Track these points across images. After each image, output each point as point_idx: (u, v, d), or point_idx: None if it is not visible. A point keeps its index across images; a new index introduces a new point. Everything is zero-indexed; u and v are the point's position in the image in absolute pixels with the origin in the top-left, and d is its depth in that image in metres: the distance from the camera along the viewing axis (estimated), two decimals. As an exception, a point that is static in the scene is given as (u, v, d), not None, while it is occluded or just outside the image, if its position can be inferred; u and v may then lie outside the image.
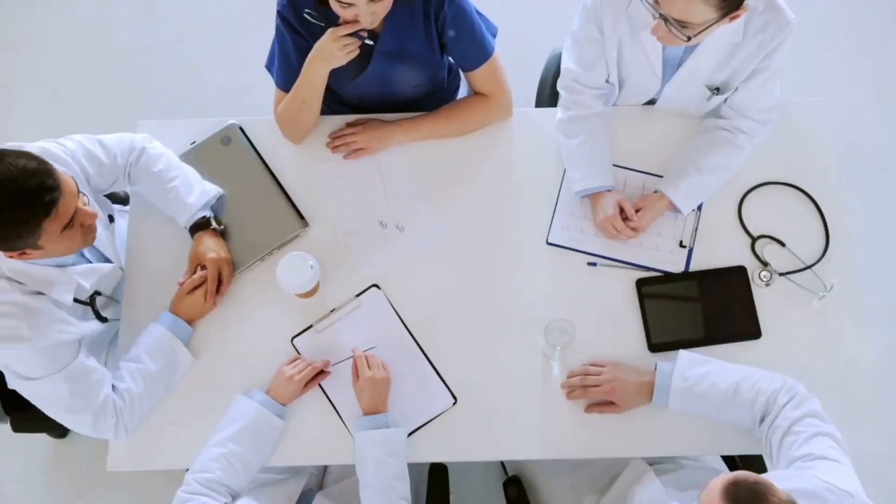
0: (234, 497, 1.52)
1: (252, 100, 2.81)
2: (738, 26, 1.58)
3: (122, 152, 1.71)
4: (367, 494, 1.52)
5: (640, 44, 1.67)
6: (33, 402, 1.54)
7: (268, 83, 1.83)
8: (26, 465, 2.44)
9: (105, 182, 1.70)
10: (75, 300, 1.57)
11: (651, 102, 1.88)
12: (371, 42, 1.66)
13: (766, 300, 1.73)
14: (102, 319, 1.65)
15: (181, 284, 1.71)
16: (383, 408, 1.61)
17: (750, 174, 1.82)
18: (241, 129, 1.90)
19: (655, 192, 1.76)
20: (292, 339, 1.73)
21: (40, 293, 1.48)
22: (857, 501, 1.25)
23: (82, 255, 1.63)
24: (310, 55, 1.68)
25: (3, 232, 1.34)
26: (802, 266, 1.75)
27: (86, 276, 1.59)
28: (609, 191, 1.75)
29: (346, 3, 1.50)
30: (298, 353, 1.72)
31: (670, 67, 1.73)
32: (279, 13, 1.68)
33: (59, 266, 1.53)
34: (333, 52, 1.63)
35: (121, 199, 2.07)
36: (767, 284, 1.74)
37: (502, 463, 2.06)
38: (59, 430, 2.39)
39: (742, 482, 1.13)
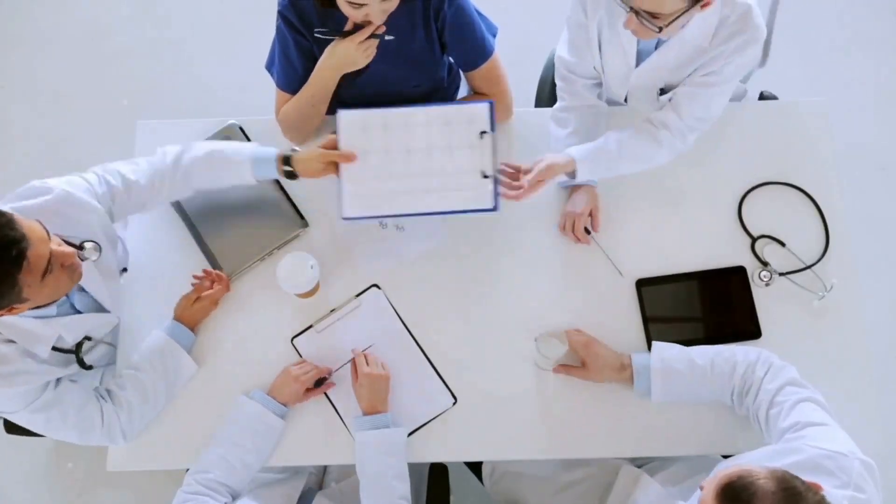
0: (235, 496, 1.52)
1: (252, 100, 2.80)
2: (708, 30, 1.57)
3: (152, 163, 1.65)
4: (367, 494, 1.52)
5: (616, 33, 1.66)
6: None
7: (268, 83, 1.83)
8: (26, 466, 2.44)
9: (129, 210, 1.65)
10: (56, 349, 1.50)
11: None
12: (391, 37, 1.63)
13: (766, 300, 1.73)
14: (87, 367, 1.58)
15: (196, 279, 1.71)
16: (383, 407, 1.61)
17: (750, 174, 1.82)
18: (241, 128, 1.90)
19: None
20: (292, 339, 1.73)
21: (12, 341, 1.43)
22: (853, 460, 1.24)
23: (72, 306, 1.56)
24: (325, 61, 1.67)
25: None
26: (802, 266, 1.75)
27: (70, 327, 1.51)
28: (591, 186, 1.75)
29: (357, 4, 1.50)
30: (299, 353, 1.72)
31: (644, 59, 1.72)
32: (280, 13, 1.68)
33: (42, 318, 1.46)
34: (356, 59, 1.64)
35: None
36: (767, 284, 1.74)
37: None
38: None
39: (729, 485, 1.11)
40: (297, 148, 1.70)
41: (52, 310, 1.49)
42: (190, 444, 1.63)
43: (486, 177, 1.61)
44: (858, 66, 2.87)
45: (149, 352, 1.65)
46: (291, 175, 1.67)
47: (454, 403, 1.68)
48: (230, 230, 1.79)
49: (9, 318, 1.41)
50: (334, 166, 1.67)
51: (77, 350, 1.56)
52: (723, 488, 1.11)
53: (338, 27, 1.66)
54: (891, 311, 2.55)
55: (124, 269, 1.72)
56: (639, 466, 1.68)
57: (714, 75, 1.61)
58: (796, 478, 1.10)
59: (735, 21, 1.55)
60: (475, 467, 1.92)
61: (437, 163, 1.62)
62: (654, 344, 1.60)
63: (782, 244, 1.77)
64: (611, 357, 1.61)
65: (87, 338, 1.60)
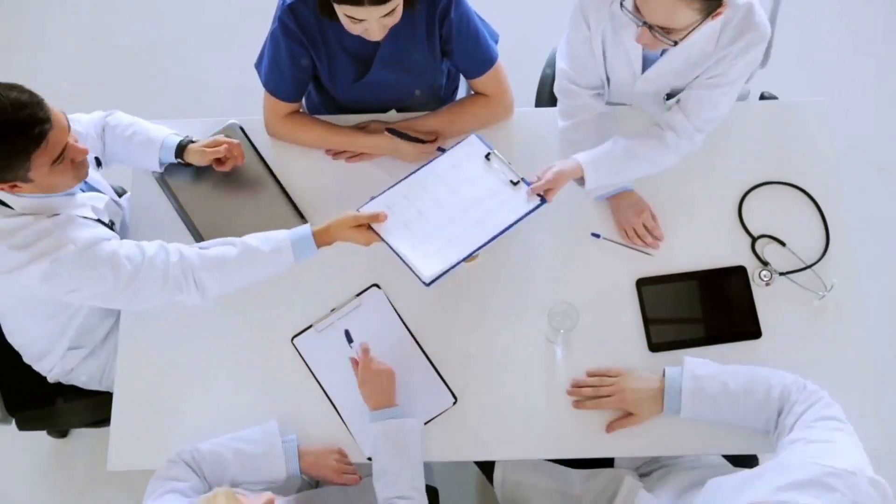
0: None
1: (253, 99, 2.78)
2: (713, 35, 1.57)
3: (91, 121, 1.75)
4: (380, 485, 1.52)
5: (620, 41, 1.66)
6: (99, 304, 1.57)
7: (268, 83, 1.83)
8: (26, 465, 2.44)
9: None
10: (97, 221, 1.58)
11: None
12: (443, 151, 1.74)
13: (766, 300, 1.73)
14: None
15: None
16: (389, 403, 1.60)
17: (750, 174, 1.82)
18: (242, 128, 1.90)
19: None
20: (292, 339, 1.73)
21: (55, 214, 1.50)
22: (860, 478, 1.18)
23: (81, 191, 1.65)
24: (382, 144, 1.80)
25: None
26: (802, 266, 1.75)
27: (94, 200, 1.62)
28: (630, 191, 1.76)
29: (356, 19, 1.51)
30: (300, 353, 1.72)
31: (649, 66, 1.72)
32: (279, 19, 1.67)
33: (66, 195, 1.55)
34: (411, 159, 1.77)
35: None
36: (767, 284, 1.74)
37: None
38: (59, 430, 2.40)
39: None
40: (193, 139, 1.80)
41: (75, 190, 1.58)
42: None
43: (514, 183, 1.64)
44: (858, 66, 2.87)
45: (264, 237, 1.61)
46: (180, 161, 1.79)
47: (454, 403, 1.68)
48: (230, 230, 1.77)
49: (40, 200, 1.49)
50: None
51: (112, 226, 1.65)
52: None
53: (338, 40, 1.67)
54: (891, 311, 2.55)
55: (98, 161, 1.76)
56: (646, 474, 1.67)
57: (721, 77, 1.62)
58: None
59: (738, 23, 1.56)
60: (487, 467, 1.90)
61: (466, 197, 1.65)
62: (686, 360, 1.58)
63: (782, 244, 1.77)
64: (646, 393, 1.58)
65: (112, 224, 1.67)
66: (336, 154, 1.85)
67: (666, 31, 1.45)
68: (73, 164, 1.47)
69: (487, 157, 1.67)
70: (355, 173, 1.85)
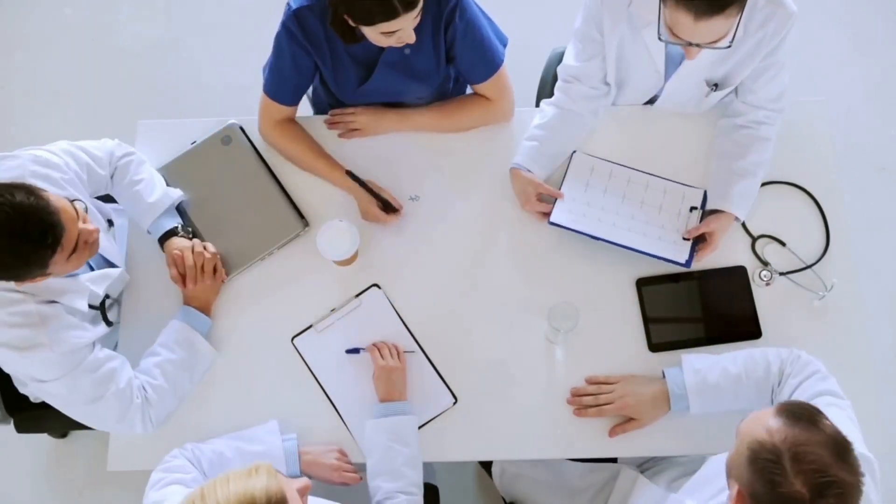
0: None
1: (252, 100, 2.79)
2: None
3: (106, 155, 1.71)
4: (376, 484, 1.52)
5: (642, 42, 1.67)
6: (54, 403, 1.54)
7: (268, 83, 1.83)
8: (27, 465, 2.44)
9: (95, 189, 1.69)
10: (90, 306, 1.55)
11: (651, 101, 1.88)
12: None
13: (766, 300, 1.73)
14: (109, 323, 1.63)
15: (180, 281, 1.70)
16: (399, 396, 1.61)
17: (750, 174, 1.82)
18: (242, 128, 1.90)
19: (713, 211, 1.73)
20: (292, 339, 1.73)
21: (53, 301, 1.47)
22: None
23: (87, 264, 1.61)
24: (351, 190, 1.77)
25: (9, 271, 1.34)
26: (803, 266, 1.75)
27: (97, 282, 1.58)
28: (527, 172, 1.76)
29: (390, 32, 1.52)
30: (300, 353, 1.72)
31: (672, 64, 1.73)
32: (284, 24, 1.66)
33: (69, 277, 1.51)
34: (372, 218, 1.75)
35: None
36: (768, 284, 1.74)
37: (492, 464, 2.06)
38: (60, 430, 2.39)
39: (796, 403, 1.16)
40: (180, 232, 1.73)
41: (79, 270, 1.54)
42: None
43: (685, 239, 1.74)
44: (858, 66, 2.87)
45: (164, 337, 1.66)
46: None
47: (454, 403, 1.68)
48: (230, 230, 1.79)
49: (43, 281, 1.44)
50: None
51: (102, 307, 1.61)
52: (787, 405, 1.15)
53: (343, 45, 1.68)
54: (891, 311, 2.55)
55: (110, 222, 1.72)
56: (644, 470, 1.68)
57: (773, 63, 1.67)
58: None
59: (765, 5, 1.58)
60: (486, 461, 1.91)
61: (646, 214, 1.77)
62: (684, 357, 1.59)
63: (783, 244, 1.77)
64: (648, 398, 1.59)
65: (107, 296, 1.64)
66: (334, 123, 1.86)
67: (715, 41, 1.48)
68: (86, 244, 1.43)
69: (692, 209, 1.77)
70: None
